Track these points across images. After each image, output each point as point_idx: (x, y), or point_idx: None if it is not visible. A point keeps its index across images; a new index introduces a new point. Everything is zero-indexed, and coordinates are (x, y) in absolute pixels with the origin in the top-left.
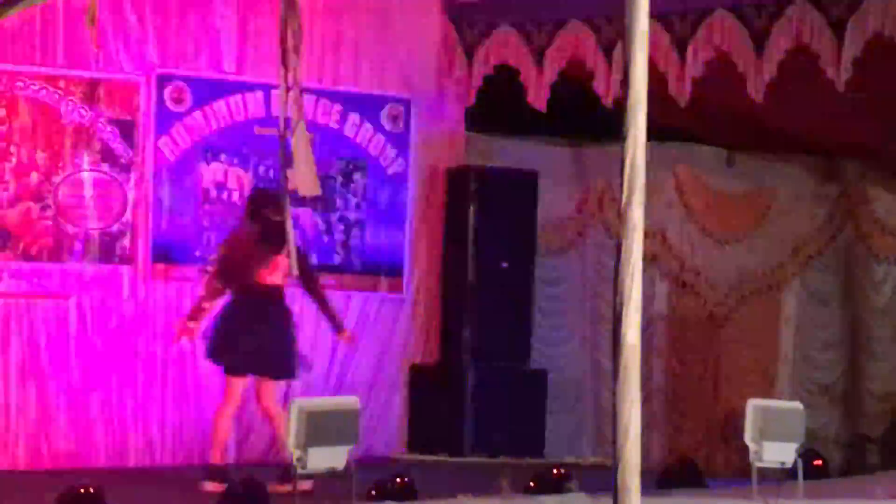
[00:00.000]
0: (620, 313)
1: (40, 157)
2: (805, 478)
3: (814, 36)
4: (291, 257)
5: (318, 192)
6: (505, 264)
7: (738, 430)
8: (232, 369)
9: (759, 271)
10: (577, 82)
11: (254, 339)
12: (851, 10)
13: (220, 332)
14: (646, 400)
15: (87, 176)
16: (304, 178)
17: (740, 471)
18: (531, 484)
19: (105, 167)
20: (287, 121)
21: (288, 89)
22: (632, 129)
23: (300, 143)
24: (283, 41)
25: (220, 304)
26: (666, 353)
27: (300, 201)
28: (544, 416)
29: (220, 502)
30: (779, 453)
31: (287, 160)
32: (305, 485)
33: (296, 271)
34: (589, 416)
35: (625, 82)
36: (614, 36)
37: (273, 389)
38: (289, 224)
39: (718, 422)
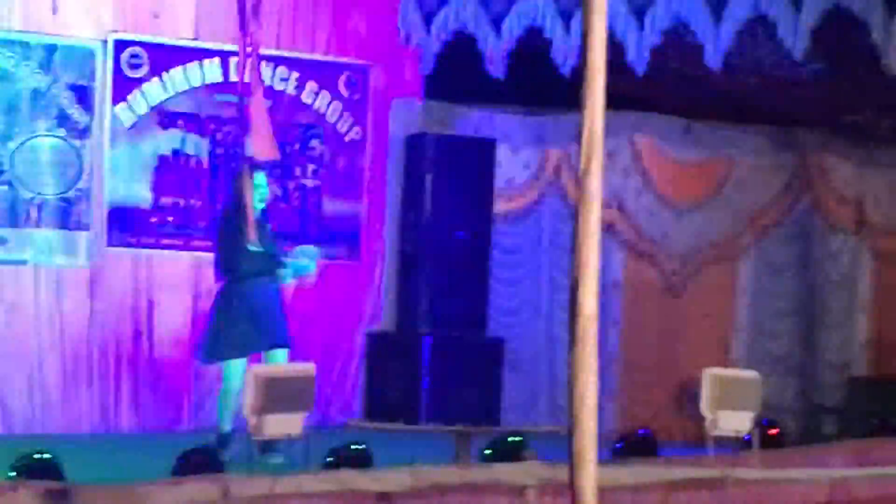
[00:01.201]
0: (578, 282)
1: None
2: (761, 447)
3: (772, 4)
4: (250, 224)
5: (276, 156)
6: (462, 232)
7: (695, 399)
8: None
9: (715, 240)
10: (536, 50)
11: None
12: None
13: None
14: (602, 369)
15: (43, 141)
16: (262, 143)
17: (697, 440)
18: (487, 451)
19: (62, 132)
20: (244, 87)
21: (246, 55)
22: (590, 97)
23: (257, 109)
24: (241, 6)
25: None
26: (622, 322)
27: (258, 167)
28: (500, 384)
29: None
30: (735, 422)
31: (245, 126)
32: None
33: (254, 237)
34: (545, 384)
35: (583, 50)
36: (573, 4)
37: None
38: (248, 192)
39: (675, 391)
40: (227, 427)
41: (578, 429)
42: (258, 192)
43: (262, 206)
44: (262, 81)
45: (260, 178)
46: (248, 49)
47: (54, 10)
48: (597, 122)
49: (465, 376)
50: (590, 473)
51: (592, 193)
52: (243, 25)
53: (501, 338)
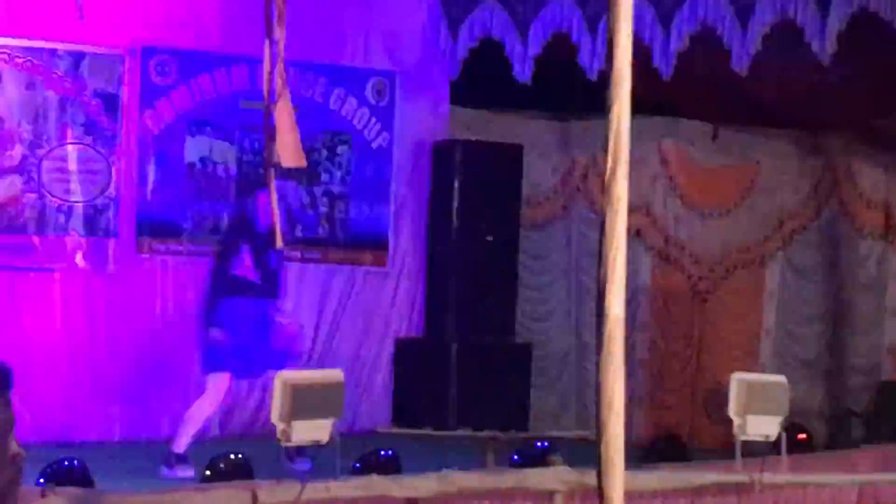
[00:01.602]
0: (605, 285)
1: (25, 129)
2: (789, 451)
3: (798, 9)
4: (277, 229)
5: (303, 164)
6: (490, 238)
7: (723, 404)
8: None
9: (743, 245)
10: (563, 55)
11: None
12: None
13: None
14: (630, 374)
15: (71, 149)
16: (288, 150)
17: (725, 445)
18: (515, 457)
19: (89, 140)
20: (271, 93)
21: (272, 62)
22: (616, 102)
23: (284, 115)
24: (267, 13)
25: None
26: (650, 328)
27: (285, 174)
28: (528, 390)
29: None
30: (763, 427)
31: (271, 133)
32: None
33: (281, 243)
34: (573, 390)
35: (609, 55)
36: (599, 9)
37: None
38: (273, 197)
39: (703, 396)
40: (182, 447)
41: (606, 434)
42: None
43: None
44: (288, 88)
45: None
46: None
47: (81, 18)
48: (623, 127)
49: (494, 382)
50: (618, 479)
51: (619, 198)
52: (269, 32)
53: (530, 344)
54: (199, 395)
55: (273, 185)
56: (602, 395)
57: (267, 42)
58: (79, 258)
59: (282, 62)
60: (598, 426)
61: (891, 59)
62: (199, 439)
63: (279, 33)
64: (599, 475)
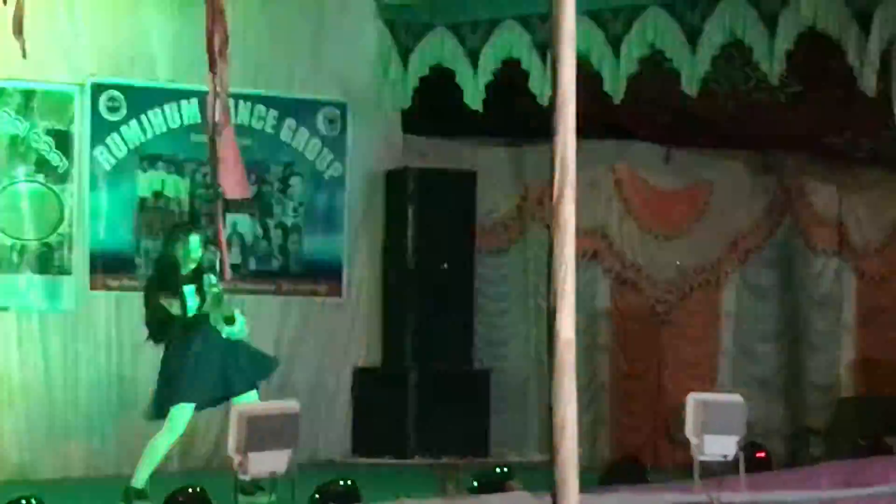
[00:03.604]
0: (555, 308)
1: None
2: (748, 470)
3: (747, 29)
4: (224, 261)
5: (247, 194)
6: (445, 265)
7: (682, 425)
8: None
9: (699, 266)
10: (514, 81)
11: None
12: (783, 4)
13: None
14: (593, 398)
15: (23, 187)
16: (232, 180)
17: (686, 465)
18: (474, 483)
19: (41, 178)
20: (215, 125)
21: (216, 94)
22: (561, 126)
23: (228, 147)
24: (210, 46)
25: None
26: (611, 350)
27: (237, 207)
28: (488, 417)
29: None
30: (720, 446)
31: (215, 164)
32: None
33: (229, 275)
34: (533, 414)
35: (554, 79)
36: (548, 35)
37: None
38: (221, 227)
39: (663, 417)
40: (141, 483)
41: (559, 457)
42: (192, 254)
43: (193, 266)
44: (230, 119)
45: (195, 241)
46: (217, 88)
47: (27, 56)
48: (569, 150)
49: (453, 410)
50: (572, 500)
51: (566, 220)
52: (212, 65)
53: (488, 369)
54: (156, 430)
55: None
56: (555, 417)
57: (210, 74)
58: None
59: (224, 94)
60: (552, 448)
61: (839, 77)
62: (158, 473)
63: (221, 66)
64: (554, 498)
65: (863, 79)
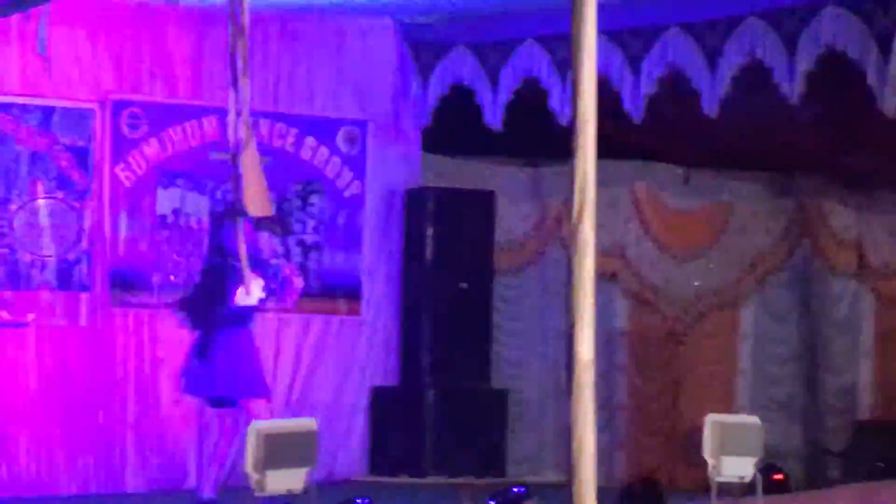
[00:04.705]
0: (574, 329)
1: None
2: (765, 492)
3: (766, 50)
4: (246, 278)
5: (269, 212)
6: (464, 285)
7: (699, 446)
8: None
9: (716, 287)
10: (533, 101)
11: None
12: (803, 24)
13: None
14: (610, 419)
15: (42, 203)
16: (254, 198)
17: (703, 487)
18: (491, 502)
19: (61, 194)
20: (237, 143)
21: (238, 112)
22: (581, 146)
23: (250, 165)
24: (232, 64)
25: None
26: (628, 371)
27: (258, 225)
28: (505, 436)
29: None
30: (738, 468)
31: (237, 182)
32: None
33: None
34: (551, 435)
35: (574, 96)
36: (568, 53)
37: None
38: (241, 246)
39: (680, 438)
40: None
41: (578, 477)
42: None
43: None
44: (254, 137)
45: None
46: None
47: (50, 73)
48: (589, 170)
49: (470, 429)
50: None
51: (586, 241)
52: (234, 82)
53: (505, 389)
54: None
55: (242, 234)
56: (574, 437)
57: (232, 92)
58: (31, 317)
59: (247, 111)
60: (571, 469)
61: (859, 98)
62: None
63: (243, 83)
64: None
65: (883, 100)
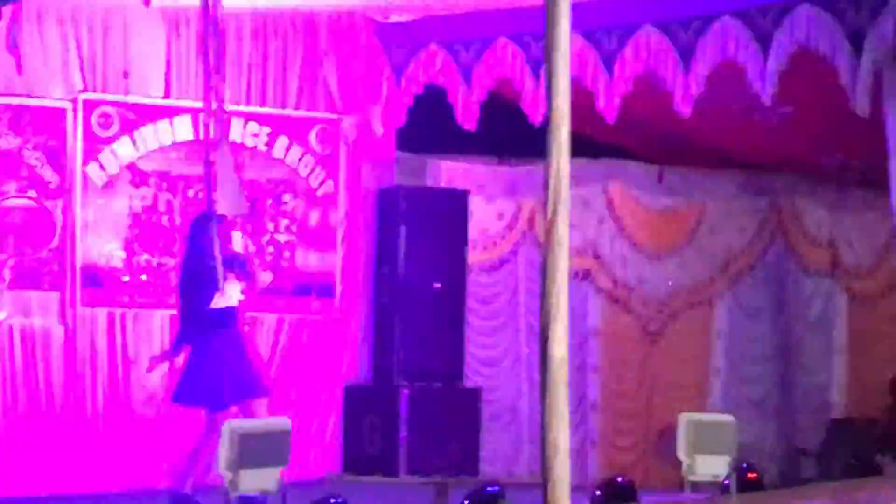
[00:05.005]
0: (547, 328)
1: None
2: (739, 491)
3: (739, 50)
4: (219, 278)
5: (243, 210)
6: (437, 284)
7: (673, 445)
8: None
9: (690, 286)
10: (506, 100)
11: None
12: (776, 24)
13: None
14: (584, 417)
15: (14, 203)
16: (228, 197)
17: (677, 485)
18: (465, 502)
19: (32, 193)
20: (210, 142)
21: (211, 110)
22: (555, 145)
23: (223, 163)
24: (204, 63)
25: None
26: (602, 369)
27: (230, 223)
28: (479, 435)
29: None
30: (711, 467)
31: (210, 181)
32: None
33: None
34: (525, 434)
35: (548, 95)
36: (542, 53)
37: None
38: (216, 245)
39: (654, 437)
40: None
41: (551, 477)
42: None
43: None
44: (228, 136)
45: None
46: (213, 104)
47: (21, 71)
48: (562, 169)
49: (444, 428)
50: None
51: (560, 240)
52: (207, 80)
53: (479, 388)
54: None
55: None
56: (547, 436)
57: (205, 90)
58: (2, 316)
59: (220, 110)
60: (544, 468)
61: (832, 97)
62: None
63: (216, 81)
64: None
65: (855, 99)
